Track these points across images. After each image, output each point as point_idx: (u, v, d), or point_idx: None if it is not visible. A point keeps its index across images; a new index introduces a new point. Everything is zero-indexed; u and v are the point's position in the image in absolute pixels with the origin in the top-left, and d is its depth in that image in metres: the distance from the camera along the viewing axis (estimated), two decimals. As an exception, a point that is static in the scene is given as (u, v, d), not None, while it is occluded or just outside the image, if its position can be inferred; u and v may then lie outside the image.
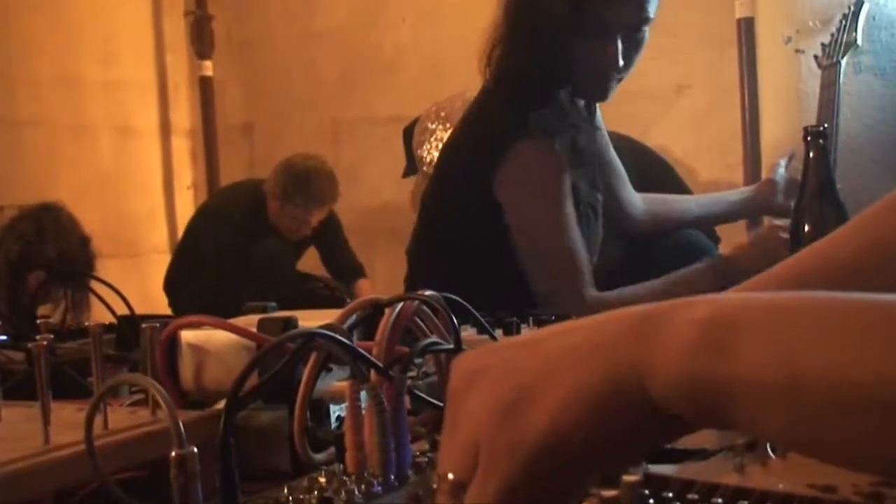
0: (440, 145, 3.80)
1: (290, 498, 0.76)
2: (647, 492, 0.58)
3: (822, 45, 3.10)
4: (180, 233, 5.40)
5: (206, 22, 5.62)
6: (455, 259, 2.28)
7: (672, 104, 4.57)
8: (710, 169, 4.55)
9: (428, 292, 0.95)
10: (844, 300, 0.51)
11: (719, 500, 0.56)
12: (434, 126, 4.08)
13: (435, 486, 0.62)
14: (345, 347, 0.82)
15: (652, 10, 2.21)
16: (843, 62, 2.92)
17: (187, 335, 1.07)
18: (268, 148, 5.45)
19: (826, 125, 1.74)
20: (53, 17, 4.90)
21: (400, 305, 0.91)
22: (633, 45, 2.23)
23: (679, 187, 3.33)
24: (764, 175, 4.22)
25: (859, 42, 3.09)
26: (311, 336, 0.84)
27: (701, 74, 4.62)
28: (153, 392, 0.73)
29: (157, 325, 1.03)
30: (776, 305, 0.52)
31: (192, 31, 5.64)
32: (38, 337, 0.96)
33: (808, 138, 1.72)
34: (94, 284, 1.85)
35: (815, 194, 1.72)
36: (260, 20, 5.62)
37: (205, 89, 5.70)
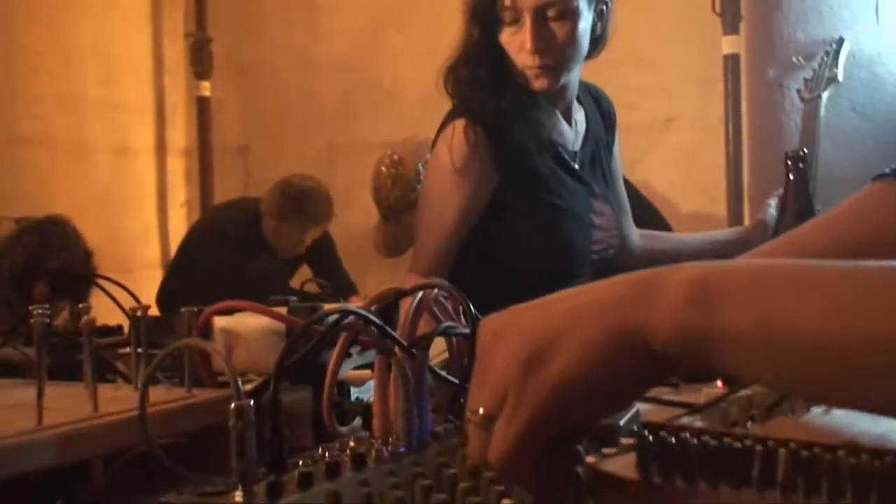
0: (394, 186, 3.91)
1: (327, 454, 0.86)
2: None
3: (805, 79, 3.22)
4: (173, 250, 5.47)
5: (206, 44, 5.71)
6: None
7: (659, 138, 4.68)
8: (695, 202, 4.65)
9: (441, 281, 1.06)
10: (809, 265, 0.64)
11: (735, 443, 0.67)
12: (387, 170, 4.12)
13: (467, 420, 0.72)
14: (376, 326, 0.93)
15: None
16: (825, 97, 3.03)
17: (220, 320, 1.16)
18: (263, 170, 5.53)
19: (806, 150, 1.86)
20: (56, 38, 4.98)
21: (420, 293, 1.01)
22: (550, 32, 2.25)
23: (660, 223, 3.44)
24: (747, 209, 4.36)
25: (840, 78, 3.20)
26: (347, 314, 0.94)
27: (687, 109, 4.72)
28: (214, 354, 0.84)
29: (195, 309, 1.14)
30: (751, 268, 0.65)
31: (192, 52, 5.73)
32: (32, 308, 1.07)
33: (789, 162, 1.84)
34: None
35: (795, 214, 1.84)
36: (260, 45, 5.71)
37: (202, 109, 5.79)
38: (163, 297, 4.57)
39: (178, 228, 5.70)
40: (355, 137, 5.48)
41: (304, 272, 4.82)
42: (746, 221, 4.36)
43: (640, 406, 1.08)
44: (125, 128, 5.46)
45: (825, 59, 3.21)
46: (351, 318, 0.96)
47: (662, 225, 3.45)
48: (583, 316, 0.68)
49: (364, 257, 5.07)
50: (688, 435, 0.66)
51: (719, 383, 1.30)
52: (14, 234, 3.71)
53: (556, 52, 2.27)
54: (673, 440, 0.66)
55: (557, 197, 2.37)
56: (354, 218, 5.16)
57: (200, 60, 5.73)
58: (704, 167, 4.64)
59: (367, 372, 1.25)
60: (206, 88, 5.77)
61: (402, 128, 5.24)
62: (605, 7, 2.35)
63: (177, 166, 5.82)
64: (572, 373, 0.66)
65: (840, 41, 3.34)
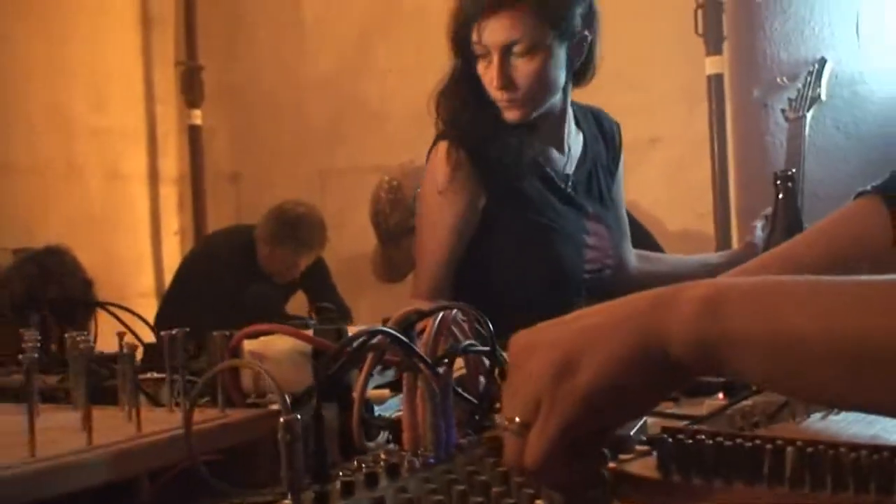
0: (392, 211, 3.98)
1: (363, 466, 0.92)
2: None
3: (789, 99, 3.29)
4: (166, 278, 5.53)
5: (197, 72, 5.77)
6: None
7: (645, 157, 4.75)
8: (682, 219, 4.72)
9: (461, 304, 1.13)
10: (809, 278, 0.72)
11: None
12: (385, 195, 4.18)
13: (503, 428, 0.79)
14: (404, 345, 1.00)
15: (515, 34, 2.30)
16: (809, 116, 3.10)
17: (248, 343, 1.23)
18: (255, 196, 5.59)
19: (794, 170, 1.94)
20: (49, 64, 5.03)
21: (441, 314, 1.08)
22: (514, 68, 2.32)
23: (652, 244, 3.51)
24: (735, 226, 4.44)
25: (823, 97, 3.27)
26: (376, 333, 1.01)
27: (673, 128, 4.80)
28: (262, 373, 0.90)
29: (227, 333, 1.20)
30: (758, 283, 0.73)
31: (183, 80, 5.80)
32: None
33: (778, 181, 1.92)
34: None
35: (785, 231, 1.91)
36: (250, 70, 5.77)
37: (194, 138, 5.85)
38: (160, 324, 4.59)
39: (172, 257, 5.75)
40: (346, 161, 5.56)
41: (299, 297, 4.88)
42: (734, 239, 4.45)
43: (646, 418, 1.15)
44: (117, 154, 5.52)
45: (808, 78, 3.28)
46: (378, 338, 1.03)
47: (653, 246, 3.52)
48: (606, 330, 0.75)
49: (357, 281, 5.13)
50: (703, 437, 0.73)
51: (720, 395, 1.37)
52: (15, 264, 3.77)
53: (522, 87, 2.34)
54: (690, 441, 0.73)
55: (546, 217, 2.44)
56: (347, 242, 5.23)
57: (191, 89, 5.79)
58: (690, 185, 4.72)
59: (387, 391, 1.31)
60: (197, 117, 5.83)
61: (391, 150, 5.32)
62: (584, 42, 2.41)
63: (170, 194, 5.87)
64: (600, 381, 0.73)
65: (823, 61, 3.42)
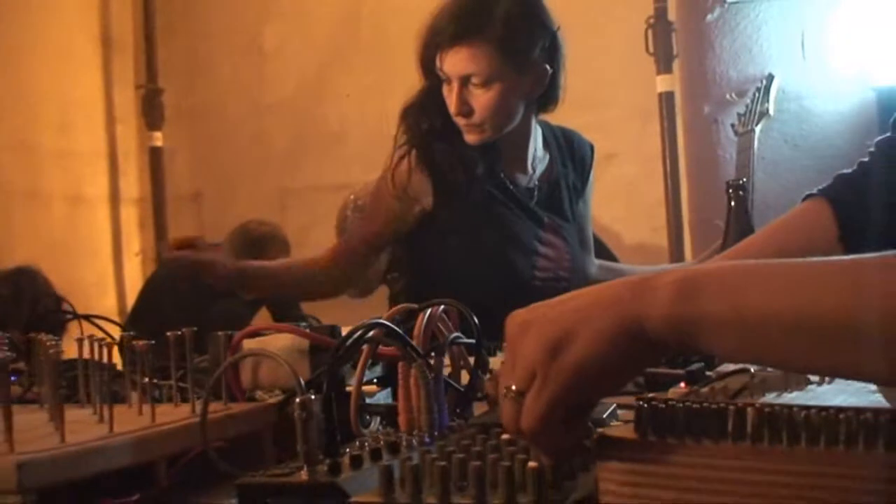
0: None
1: (366, 444, 1.02)
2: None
3: (738, 114, 3.41)
4: (129, 299, 5.59)
5: (157, 95, 5.84)
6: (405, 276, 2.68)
7: (601, 173, 4.86)
8: (637, 233, 4.84)
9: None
10: (771, 261, 0.83)
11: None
12: (352, 214, 4.27)
13: (501, 396, 0.89)
14: (399, 337, 1.10)
15: (472, 67, 2.44)
16: (757, 130, 3.22)
17: (248, 342, 1.33)
18: (216, 216, 5.65)
19: (745, 179, 2.06)
20: (13, 87, 5.08)
21: (430, 310, 1.19)
22: (474, 97, 2.47)
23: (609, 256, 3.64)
24: (687, 238, 4.56)
25: (771, 112, 3.40)
26: (375, 326, 1.11)
27: (627, 145, 4.91)
28: (277, 358, 1.00)
29: (228, 333, 1.30)
30: (726, 267, 0.84)
31: (143, 103, 5.86)
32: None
33: (730, 191, 2.04)
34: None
35: (737, 236, 2.04)
36: (210, 93, 5.84)
37: (154, 159, 5.91)
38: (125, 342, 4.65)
39: (134, 278, 5.80)
40: (306, 181, 5.63)
41: (265, 313, 4.95)
42: (687, 250, 4.57)
43: (616, 405, 1.26)
44: (79, 177, 5.57)
45: (756, 94, 3.40)
46: (374, 331, 1.13)
47: (610, 259, 3.65)
48: (595, 311, 0.86)
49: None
50: (674, 402, 0.84)
51: (682, 384, 1.47)
52: (-13, 284, 3.83)
53: (479, 114, 2.49)
54: (663, 406, 0.84)
55: (497, 223, 2.58)
56: (308, 260, 5.30)
57: (152, 111, 5.86)
58: (645, 200, 4.83)
59: (374, 386, 1.41)
60: (157, 139, 5.89)
61: (350, 170, 5.41)
62: (545, 75, 2.52)
63: (130, 215, 5.92)
64: (588, 356, 0.84)
65: (770, 77, 3.55)
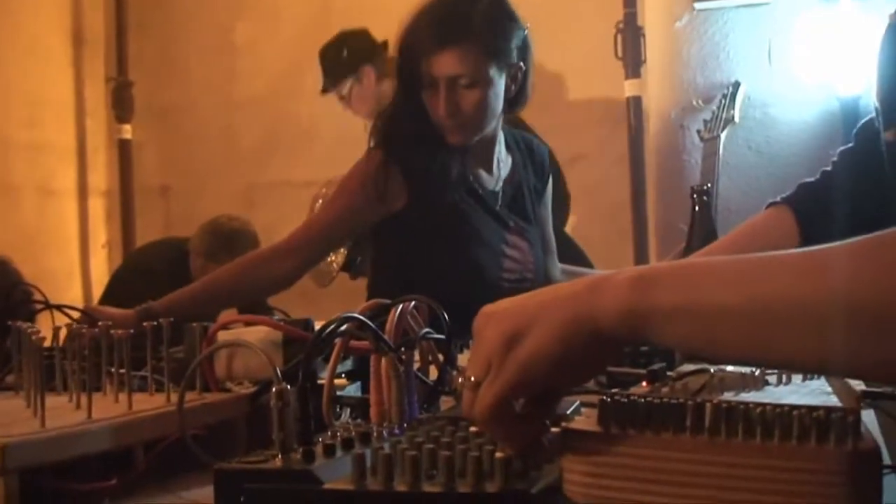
0: None
1: (339, 434, 1.05)
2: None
3: (704, 121, 3.45)
4: (95, 290, 5.59)
5: (127, 88, 5.84)
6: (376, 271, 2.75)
7: (568, 175, 4.92)
8: (604, 234, 4.89)
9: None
10: (720, 258, 0.87)
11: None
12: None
13: (461, 384, 0.93)
14: (372, 331, 1.13)
15: (460, 69, 2.51)
16: (723, 136, 3.27)
17: (222, 333, 1.36)
18: (184, 210, 5.66)
19: (709, 184, 2.11)
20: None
21: (401, 305, 1.22)
22: (459, 98, 2.54)
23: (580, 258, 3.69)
24: (652, 241, 4.61)
25: (736, 119, 3.44)
26: (349, 320, 1.15)
27: (594, 147, 4.97)
28: (255, 348, 1.03)
29: (204, 324, 1.33)
30: (682, 262, 0.88)
31: (113, 96, 5.87)
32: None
33: (694, 195, 2.09)
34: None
35: (701, 240, 2.08)
36: (181, 87, 5.84)
37: (123, 152, 5.91)
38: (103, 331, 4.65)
39: (100, 269, 5.80)
40: (275, 176, 5.65)
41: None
42: (651, 253, 4.63)
43: (580, 402, 1.30)
44: (49, 169, 5.57)
45: (723, 101, 3.44)
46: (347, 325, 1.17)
47: (585, 262, 3.71)
48: (550, 306, 0.89)
49: (284, 293, 5.22)
50: (636, 397, 0.88)
51: (644, 384, 1.51)
52: (-43, 275, 3.81)
53: (466, 114, 2.55)
54: (625, 400, 0.88)
55: (468, 225, 2.64)
56: (274, 256, 5.31)
57: (121, 104, 5.86)
58: (612, 202, 4.88)
59: (345, 380, 1.45)
60: (127, 131, 5.89)
61: (319, 167, 5.44)
62: (519, 72, 2.61)
63: (98, 207, 5.92)
64: (539, 350, 0.88)
65: (736, 84, 3.60)
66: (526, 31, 2.62)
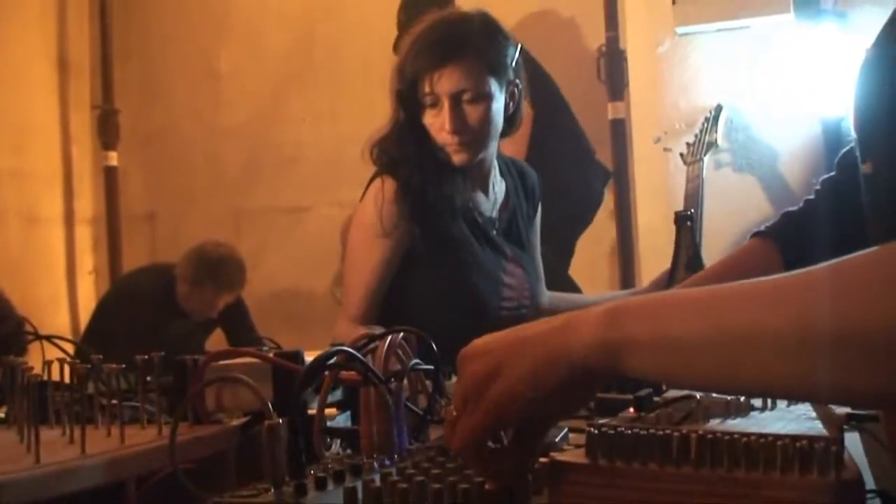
0: None
1: (330, 466, 1.06)
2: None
3: (687, 144, 3.47)
4: (82, 317, 5.59)
5: (113, 115, 5.85)
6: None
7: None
8: (587, 254, 4.91)
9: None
10: (689, 290, 0.89)
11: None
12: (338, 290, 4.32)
13: (445, 417, 0.96)
14: (361, 363, 1.15)
15: (464, 83, 2.52)
16: (706, 159, 3.29)
17: (213, 366, 1.37)
18: (170, 236, 5.67)
19: (693, 210, 2.13)
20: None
21: (390, 337, 1.24)
22: (464, 114, 2.54)
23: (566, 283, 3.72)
24: (639, 262, 4.63)
25: (719, 142, 3.47)
26: (340, 352, 1.16)
27: (578, 170, 5.00)
28: (247, 383, 1.05)
29: (195, 358, 1.34)
30: (649, 297, 0.90)
31: (99, 123, 5.86)
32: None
33: (678, 221, 2.11)
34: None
35: (684, 266, 2.10)
36: (166, 114, 5.85)
37: (109, 179, 5.90)
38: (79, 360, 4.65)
39: (87, 296, 5.79)
40: (260, 202, 5.67)
41: (218, 335, 4.97)
42: (637, 274, 4.65)
43: (567, 429, 1.31)
44: (34, 197, 5.56)
45: (705, 124, 3.46)
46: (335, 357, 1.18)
47: (571, 285, 3.73)
48: (525, 343, 0.93)
49: (270, 319, 5.21)
50: (623, 428, 0.89)
51: (631, 410, 1.52)
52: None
53: (471, 131, 2.55)
54: (612, 432, 0.89)
55: (468, 255, 2.63)
56: (260, 281, 5.33)
57: (107, 131, 5.86)
58: (595, 224, 4.90)
59: (334, 409, 1.46)
60: (112, 158, 5.88)
61: (304, 193, 5.48)
62: (515, 89, 2.63)
63: (84, 235, 5.91)
64: (512, 389, 0.91)
65: (718, 108, 3.61)
66: (519, 48, 2.65)
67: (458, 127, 2.53)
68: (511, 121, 2.67)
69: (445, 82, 2.52)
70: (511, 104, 2.64)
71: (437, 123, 2.55)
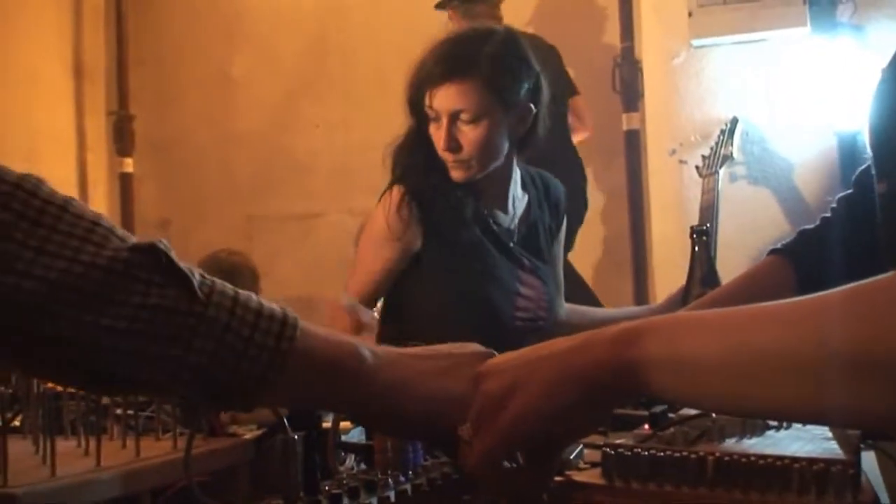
0: None
1: (344, 482, 1.06)
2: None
3: (703, 156, 3.46)
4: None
5: (128, 122, 5.87)
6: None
7: (565, 206, 4.94)
8: (600, 265, 4.91)
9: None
10: (708, 311, 0.88)
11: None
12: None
13: (460, 437, 0.96)
14: (376, 378, 1.15)
15: (462, 103, 2.48)
16: (721, 172, 3.28)
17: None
18: (183, 243, 5.67)
19: (708, 224, 2.12)
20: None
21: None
22: (462, 133, 2.51)
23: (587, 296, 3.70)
24: (653, 275, 4.62)
25: (735, 155, 3.46)
26: (355, 368, 1.16)
27: (591, 180, 4.98)
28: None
29: (210, 370, 1.34)
30: (666, 317, 0.89)
31: (114, 129, 5.89)
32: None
33: (694, 236, 2.10)
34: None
35: (700, 282, 2.10)
36: (180, 122, 5.87)
37: (124, 185, 5.93)
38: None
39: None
40: (273, 209, 5.68)
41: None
42: (651, 287, 4.64)
43: (583, 446, 1.31)
44: (48, 203, 5.56)
45: (721, 137, 3.44)
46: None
47: (591, 299, 3.71)
48: (542, 362, 0.92)
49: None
50: (639, 450, 0.89)
51: (646, 426, 1.52)
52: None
53: (467, 151, 2.53)
54: (629, 454, 0.89)
55: (481, 263, 2.62)
56: (272, 288, 5.33)
57: (122, 138, 5.88)
58: (609, 234, 4.91)
59: (348, 423, 1.46)
60: (128, 165, 5.90)
61: (317, 200, 5.48)
62: (529, 114, 2.59)
63: (98, 241, 5.91)
64: (525, 409, 0.91)
65: (734, 121, 3.60)
66: (540, 73, 2.61)
67: (450, 146, 2.51)
68: (525, 141, 2.65)
69: (443, 100, 2.51)
70: (521, 127, 2.61)
71: (436, 138, 2.55)
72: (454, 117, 2.51)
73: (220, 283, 1.02)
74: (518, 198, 2.72)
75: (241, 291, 1.01)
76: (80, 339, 0.94)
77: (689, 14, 4.32)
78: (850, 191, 1.81)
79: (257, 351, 0.97)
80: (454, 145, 2.52)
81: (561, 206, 2.85)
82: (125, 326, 0.95)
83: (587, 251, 4.86)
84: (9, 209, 0.96)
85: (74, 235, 0.99)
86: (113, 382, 0.99)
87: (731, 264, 2.90)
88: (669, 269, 4.24)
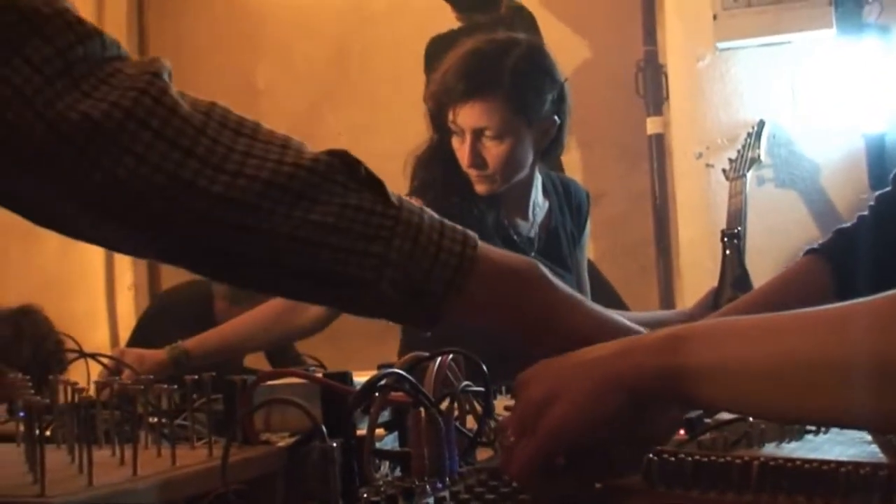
0: None
1: (383, 489, 1.06)
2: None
3: (730, 160, 3.46)
4: (121, 333, 5.60)
5: (152, 132, 5.88)
6: None
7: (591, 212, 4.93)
8: (625, 270, 4.89)
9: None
10: (752, 316, 0.88)
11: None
12: None
13: (501, 442, 0.96)
14: (412, 385, 1.14)
15: (486, 121, 2.50)
16: (748, 175, 3.27)
17: (261, 387, 1.37)
18: (208, 251, 5.68)
19: (739, 228, 2.12)
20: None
21: (440, 358, 1.23)
22: (486, 149, 2.53)
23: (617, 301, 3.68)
24: (679, 280, 4.61)
25: (762, 158, 3.45)
26: (390, 374, 1.16)
27: (615, 184, 4.98)
28: (300, 405, 1.04)
29: (246, 378, 1.34)
30: (709, 322, 0.89)
31: (140, 142, 5.89)
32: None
33: (725, 239, 2.10)
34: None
35: (733, 284, 2.09)
36: (205, 130, 5.88)
37: (150, 195, 5.92)
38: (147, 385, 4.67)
39: (126, 311, 5.81)
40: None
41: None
42: (677, 292, 4.63)
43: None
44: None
45: (748, 140, 3.44)
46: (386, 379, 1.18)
47: (617, 301, 3.70)
48: (583, 368, 0.92)
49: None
50: (683, 455, 0.88)
51: (682, 431, 1.51)
52: (-11, 324, 3.84)
53: (492, 166, 2.53)
54: (672, 459, 0.88)
55: None
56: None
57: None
58: (633, 239, 4.89)
59: (382, 430, 1.45)
60: (153, 173, 5.91)
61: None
62: (553, 126, 2.58)
63: (123, 250, 5.93)
64: (567, 415, 0.90)
65: (761, 123, 3.60)
66: (564, 83, 2.60)
67: (475, 162, 2.52)
68: (548, 150, 2.64)
69: (468, 117, 2.50)
70: (545, 140, 2.60)
71: (460, 153, 2.54)
72: (478, 134, 2.50)
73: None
74: (539, 204, 2.71)
75: None
76: (292, 234, 1.05)
77: (714, 17, 4.31)
78: (888, 188, 1.80)
79: (447, 255, 1.11)
80: (479, 161, 2.52)
81: (583, 210, 2.84)
82: (332, 222, 1.07)
83: (610, 256, 4.85)
84: (209, 116, 1.15)
85: (274, 143, 1.19)
86: (314, 279, 1.09)
87: (758, 267, 2.89)
88: (696, 273, 4.23)
